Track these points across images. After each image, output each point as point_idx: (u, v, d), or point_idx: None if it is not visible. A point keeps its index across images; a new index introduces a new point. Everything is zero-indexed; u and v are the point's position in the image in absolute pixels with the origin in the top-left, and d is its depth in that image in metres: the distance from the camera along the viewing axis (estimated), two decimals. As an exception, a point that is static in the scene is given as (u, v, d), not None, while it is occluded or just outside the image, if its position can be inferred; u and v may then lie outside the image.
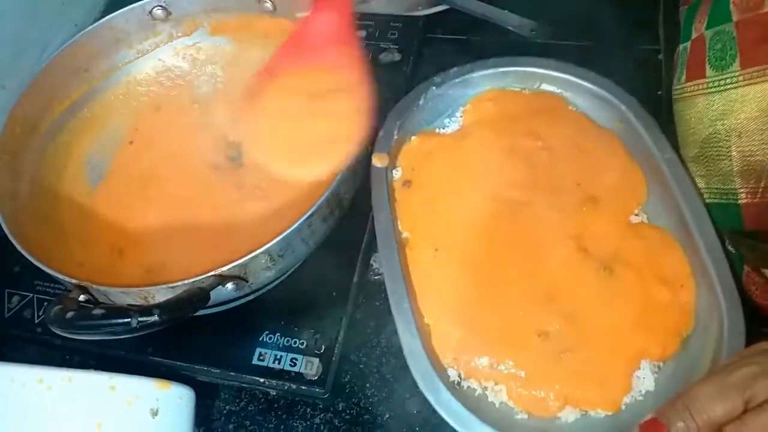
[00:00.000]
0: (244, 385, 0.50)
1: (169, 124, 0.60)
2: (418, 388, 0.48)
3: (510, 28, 0.66)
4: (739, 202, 0.45)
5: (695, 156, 0.49)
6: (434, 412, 0.41)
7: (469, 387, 0.42)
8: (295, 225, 0.44)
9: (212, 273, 0.42)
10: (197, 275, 0.42)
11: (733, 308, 0.38)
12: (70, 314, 0.39)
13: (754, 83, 0.45)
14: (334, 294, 0.52)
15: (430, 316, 0.43)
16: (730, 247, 0.46)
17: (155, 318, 0.38)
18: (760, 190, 0.44)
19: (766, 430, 0.30)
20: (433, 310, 0.44)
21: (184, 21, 0.61)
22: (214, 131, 0.59)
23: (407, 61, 0.65)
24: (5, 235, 0.45)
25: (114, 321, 0.38)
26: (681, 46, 0.54)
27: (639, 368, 0.40)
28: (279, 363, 0.49)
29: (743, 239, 0.45)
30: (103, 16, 0.59)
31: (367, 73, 0.44)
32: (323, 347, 0.49)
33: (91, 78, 0.59)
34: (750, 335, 0.39)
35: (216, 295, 0.43)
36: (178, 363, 0.50)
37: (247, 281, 0.45)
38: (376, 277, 0.54)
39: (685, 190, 0.43)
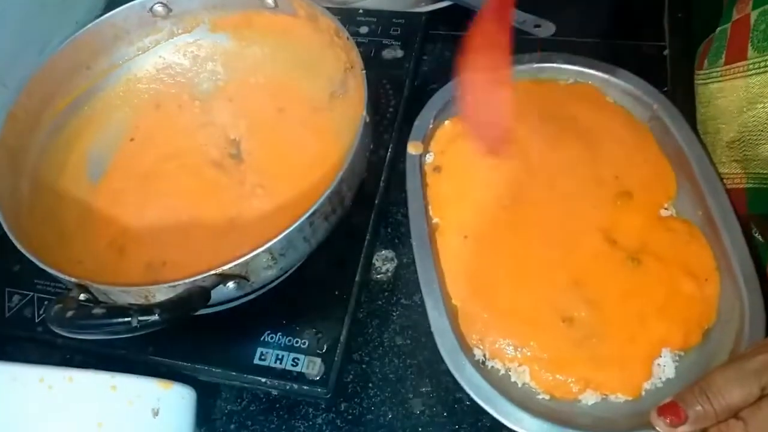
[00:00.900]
0: (246, 384, 0.50)
1: (170, 121, 0.60)
2: (420, 389, 0.48)
3: (514, 24, 0.66)
4: None
5: (731, 141, 0.48)
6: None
7: (493, 367, 0.42)
8: (297, 223, 0.43)
9: (213, 272, 0.42)
10: (198, 274, 0.41)
11: (755, 303, 0.39)
12: (70, 313, 0.39)
13: None
14: (336, 293, 0.51)
15: (458, 298, 0.44)
16: (757, 236, 0.46)
17: (156, 317, 0.38)
18: None
19: None
20: (460, 292, 0.44)
21: (185, 18, 0.61)
22: (214, 128, 0.59)
23: (410, 58, 0.64)
24: (5, 233, 0.45)
25: (114, 320, 0.38)
26: (719, 29, 0.52)
27: (660, 356, 0.41)
28: (281, 363, 0.48)
29: None
30: (103, 14, 0.59)
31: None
32: (325, 347, 0.49)
33: (91, 75, 0.59)
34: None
35: (217, 294, 0.42)
36: (179, 362, 0.50)
37: (248, 280, 0.44)
38: (378, 276, 0.54)
39: (711, 187, 0.44)
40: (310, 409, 0.49)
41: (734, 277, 0.41)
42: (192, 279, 0.41)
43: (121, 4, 0.58)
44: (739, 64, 0.48)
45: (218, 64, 0.62)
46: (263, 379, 0.48)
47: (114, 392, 0.41)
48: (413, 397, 0.48)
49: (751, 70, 0.47)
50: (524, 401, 0.39)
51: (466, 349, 0.42)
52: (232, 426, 0.49)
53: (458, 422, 0.47)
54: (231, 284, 0.43)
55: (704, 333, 0.42)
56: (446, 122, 0.53)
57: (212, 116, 0.60)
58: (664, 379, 0.42)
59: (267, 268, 0.45)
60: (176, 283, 0.41)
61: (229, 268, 0.42)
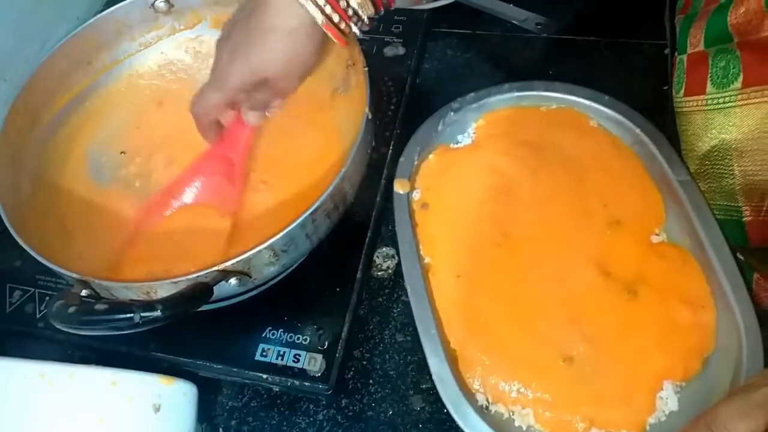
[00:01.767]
0: (247, 381, 0.50)
1: (172, 117, 0.60)
2: (421, 385, 0.48)
3: (515, 22, 0.66)
4: (744, 219, 0.45)
5: (696, 172, 0.48)
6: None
7: (496, 411, 0.42)
8: (299, 219, 0.43)
9: (215, 268, 0.42)
10: (200, 270, 0.41)
11: (752, 329, 0.39)
12: (72, 309, 0.39)
13: (754, 103, 0.44)
14: (337, 290, 0.51)
15: (456, 342, 0.44)
16: (740, 256, 0.46)
17: (158, 313, 0.38)
18: (764, 208, 0.44)
19: None
20: (457, 336, 0.44)
21: (187, 14, 0.61)
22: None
23: (411, 55, 0.64)
24: (7, 229, 0.45)
25: (116, 316, 0.38)
26: (678, 57, 0.53)
27: (662, 389, 0.41)
28: (282, 359, 0.48)
29: (752, 252, 0.45)
30: (105, 9, 0.58)
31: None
32: (326, 343, 0.49)
33: (93, 71, 0.59)
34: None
35: (219, 290, 0.42)
36: (181, 359, 0.50)
37: (250, 276, 0.44)
38: (379, 273, 0.54)
39: (699, 211, 0.44)
40: (311, 405, 0.49)
41: (729, 304, 0.41)
42: (194, 275, 0.41)
43: (123, 0, 0.58)
44: (698, 97, 0.48)
45: (220, 61, 0.62)
46: (264, 376, 0.48)
47: (115, 388, 0.41)
48: (414, 394, 0.48)
49: (710, 105, 0.47)
50: None
51: (469, 395, 0.41)
52: (234, 422, 0.49)
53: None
54: (233, 280, 0.43)
55: (704, 361, 0.41)
56: (430, 156, 0.52)
57: (214, 113, 0.60)
58: (667, 412, 0.41)
59: (269, 264, 0.45)
60: (178, 279, 0.41)
61: (232, 264, 0.42)
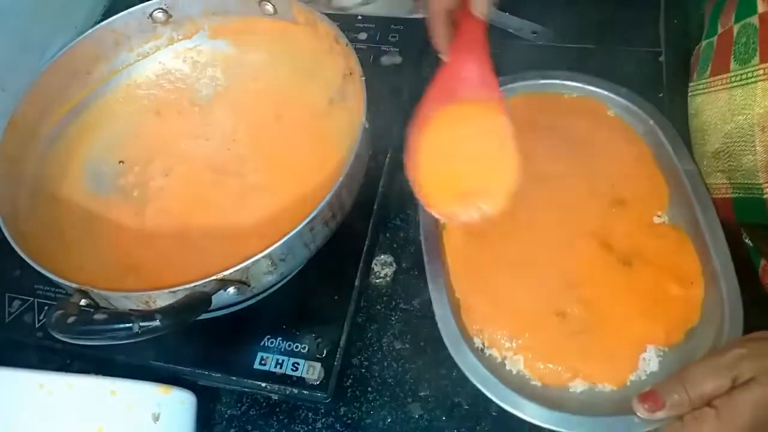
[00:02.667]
0: (246, 389, 0.50)
1: (170, 126, 0.60)
2: (419, 393, 0.48)
3: (511, 31, 0.66)
4: (765, 196, 0.46)
5: (716, 151, 0.49)
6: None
7: (491, 355, 0.45)
8: (297, 229, 0.43)
9: (214, 277, 0.42)
10: (198, 279, 0.41)
11: (735, 306, 0.42)
12: (71, 319, 0.39)
13: None
14: (335, 298, 0.52)
15: (460, 292, 0.47)
16: (747, 240, 0.47)
17: (157, 323, 0.38)
18: None
19: (747, 404, 0.34)
20: (462, 286, 0.48)
21: (185, 24, 0.61)
22: (214, 134, 0.59)
23: (408, 64, 0.65)
24: (6, 239, 0.45)
25: (116, 326, 0.38)
26: (704, 42, 0.54)
27: (645, 351, 0.44)
28: (281, 367, 0.48)
29: (765, 232, 0.46)
30: (103, 19, 0.59)
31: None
32: (325, 351, 0.49)
33: (91, 81, 0.59)
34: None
35: (217, 299, 0.43)
36: (180, 367, 0.50)
37: (248, 285, 0.44)
38: (377, 281, 0.54)
39: (701, 199, 0.47)
40: (310, 414, 0.49)
41: (717, 282, 0.44)
42: (192, 284, 0.41)
43: (121, 10, 0.59)
44: (722, 76, 0.49)
45: (218, 70, 0.62)
46: (263, 384, 0.48)
47: (114, 397, 0.41)
48: (412, 401, 0.48)
49: (734, 82, 0.48)
50: (518, 387, 0.42)
51: (467, 337, 0.45)
52: (232, 430, 0.49)
53: (457, 426, 0.47)
54: (231, 289, 0.43)
55: (687, 332, 0.44)
56: None
57: (212, 122, 0.60)
58: (648, 372, 0.44)
59: (267, 273, 0.45)
60: (177, 288, 0.41)
61: (230, 273, 0.42)
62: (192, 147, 0.59)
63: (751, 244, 0.48)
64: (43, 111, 0.56)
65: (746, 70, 0.47)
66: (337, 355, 0.49)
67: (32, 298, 0.54)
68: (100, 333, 0.39)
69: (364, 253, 0.53)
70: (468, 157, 0.45)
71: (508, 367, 0.45)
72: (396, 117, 0.59)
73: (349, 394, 0.49)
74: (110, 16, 0.59)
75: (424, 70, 0.67)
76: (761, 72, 0.46)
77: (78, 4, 0.73)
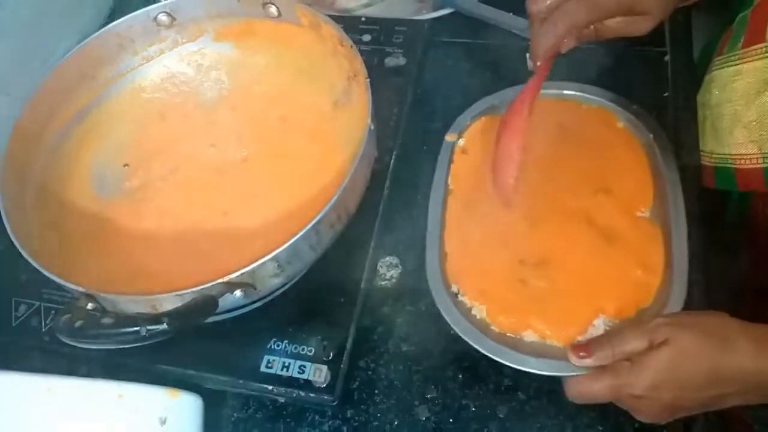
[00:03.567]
0: (253, 392, 0.50)
1: (174, 129, 0.60)
2: (426, 395, 0.48)
3: (515, 31, 0.66)
4: None
5: (749, 122, 0.51)
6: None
7: (462, 300, 0.51)
8: (303, 231, 0.43)
9: (220, 280, 0.42)
10: (205, 282, 0.41)
11: (678, 295, 0.48)
12: (79, 323, 0.39)
13: None
14: (342, 300, 0.51)
15: (449, 247, 0.53)
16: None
17: (164, 326, 0.38)
18: None
19: (654, 362, 0.40)
20: (452, 243, 0.53)
21: (189, 27, 0.61)
22: (219, 137, 0.59)
23: (412, 65, 0.65)
24: (12, 243, 0.45)
25: (123, 330, 0.38)
26: (739, 16, 0.54)
27: (597, 319, 0.49)
28: (287, 370, 0.48)
29: None
30: (108, 23, 0.59)
31: None
32: (332, 354, 0.49)
33: (96, 85, 0.59)
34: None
35: (224, 302, 0.43)
36: (187, 371, 0.50)
37: (255, 288, 0.44)
38: (383, 283, 0.54)
39: (677, 206, 0.52)
40: (317, 416, 0.49)
41: (672, 277, 0.50)
42: (199, 288, 0.41)
43: (126, 14, 0.59)
44: (757, 46, 0.50)
45: (222, 73, 0.63)
46: (270, 387, 0.48)
47: (121, 401, 0.41)
48: (419, 404, 0.48)
49: None
50: (481, 328, 0.49)
51: (446, 284, 0.51)
52: (239, 434, 0.49)
53: (464, 429, 0.47)
54: (238, 292, 0.43)
55: (638, 312, 0.49)
56: (482, 118, 0.61)
57: (217, 125, 0.60)
58: (593, 336, 0.48)
59: (273, 276, 0.45)
60: (183, 292, 0.41)
61: (236, 276, 0.42)
62: (197, 150, 0.59)
63: None
64: (48, 115, 0.56)
65: None
66: (344, 358, 0.49)
67: (39, 302, 0.54)
68: (108, 337, 0.39)
69: (369, 255, 0.53)
70: None
71: (473, 312, 0.50)
72: (400, 118, 0.59)
73: (356, 397, 0.49)
74: (114, 19, 0.59)
75: (428, 71, 0.67)
76: None
77: (82, 8, 0.73)
